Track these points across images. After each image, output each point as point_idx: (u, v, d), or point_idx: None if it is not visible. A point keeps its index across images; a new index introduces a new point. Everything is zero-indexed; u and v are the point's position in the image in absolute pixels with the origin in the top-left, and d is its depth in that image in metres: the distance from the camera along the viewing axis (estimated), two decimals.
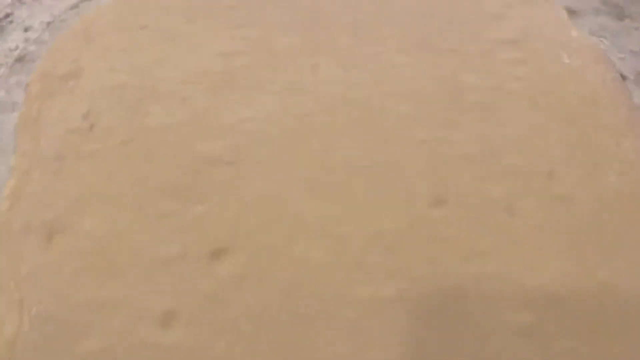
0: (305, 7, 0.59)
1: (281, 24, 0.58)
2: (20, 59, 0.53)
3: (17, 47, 0.54)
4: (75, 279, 0.41)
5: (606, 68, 0.57)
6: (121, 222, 0.43)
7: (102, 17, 0.56)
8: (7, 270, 0.41)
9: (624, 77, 0.58)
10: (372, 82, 0.54)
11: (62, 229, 0.43)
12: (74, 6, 0.58)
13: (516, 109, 0.53)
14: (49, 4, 0.57)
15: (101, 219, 0.43)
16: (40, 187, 0.45)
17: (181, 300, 0.41)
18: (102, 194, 0.44)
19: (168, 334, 0.39)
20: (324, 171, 0.47)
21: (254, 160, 0.48)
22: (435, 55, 0.57)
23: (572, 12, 0.63)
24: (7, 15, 0.56)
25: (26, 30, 0.55)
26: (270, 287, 0.42)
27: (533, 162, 0.49)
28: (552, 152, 0.50)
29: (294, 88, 0.53)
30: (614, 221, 0.45)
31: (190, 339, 0.39)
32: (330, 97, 0.52)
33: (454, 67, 0.56)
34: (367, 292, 0.41)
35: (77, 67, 0.52)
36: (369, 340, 0.39)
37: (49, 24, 0.56)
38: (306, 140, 0.49)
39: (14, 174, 0.45)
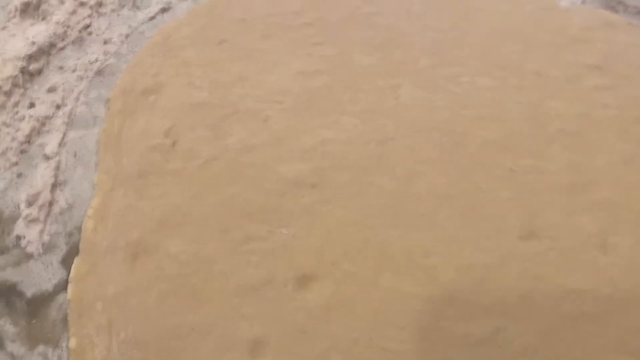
0: (383, 25, 0.58)
1: (360, 42, 0.57)
2: (100, 72, 0.53)
3: (96, 60, 0.53)
4: (161, 303, 0.40)
5: None
6: (206, 246, 0.42)
7: (179, 30, 0.56)
8: (94, 291, 0.41)
9: None
10: (455, 105, 0.52)
11: (147, 250, 0.42)
12: (152, 17, 0.57)
13: (605, 139, 0.51)
14: (127, 15, 0.57)
15: (186, 242, 0.43)
16: (124, 206, 0.44)
17: (269, 329, 0.40)
18: (186, 215, 0.44)
19: None
20: (409, 199, 0.46)
21: (337, 184, 0.46)
22: (519, 78, 0.55)
23: None
24: (86, 27, 0.56)
25: (105, 42, 0.55)
26: (358, 319, 0.40)
27: (626, 196, 0.47)
28: None
29: (375, 110, 0.52)
30: None
31: None
32: (412, 120, 0.51)
33: (539, 92, 0.54)
34: (461, 329, 0.40)
35: (157, 82, 0.51)
36: None
37: (127, 36, 0.55)
38: (389, 166, 0.48)
39: (97, 192, 0.45)
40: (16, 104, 0.49)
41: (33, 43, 0.52)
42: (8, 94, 0.49)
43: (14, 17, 0.55)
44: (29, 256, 0.43)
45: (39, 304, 0.41)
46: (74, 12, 0.55)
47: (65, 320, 0.40)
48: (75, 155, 0.47)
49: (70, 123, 0.49)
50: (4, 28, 0.54)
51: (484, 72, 0.55)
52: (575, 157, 0.50)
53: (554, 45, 0.58)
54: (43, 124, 0.49)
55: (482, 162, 0.49)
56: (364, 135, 0.50)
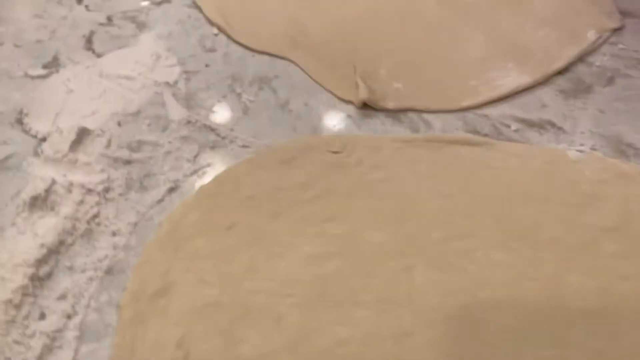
0: (391, 195, 0.57)
1: (369, 215, 0.56)
2: (109, 271, 0.52)
3: (105, 257, 0.53)
4: None
5: None
6: None
7: (187, 216, 0.55)
8: None
9: None
10: (471, 286, 0.51)
11: None
12: (159, 200, 0.57)
13: (628, 318, 0.50)
14: (134, 199, 0.57)
15: None
16: None
17: None
18: None
19: None
20: None
21: None
22: (534, 249, 0.54)
23: None
24: (94, 217, 0.55)
25: (114, 234, 0.54)
26: None
27: None
28: None
29: (389, 299, 0.51)
30: None
31: None
32: (427, 310, 0.50)
33: (555, 265, 0.53)
34: None
35: (167, 282, 0.51)
36: None
37: (135, 225, 0.55)
38: None
39: None
40: (26, 317, 0.49)
41: (42, 245, 0.52)
42: (18, 306, 0.49)
43: (23, 211, 0.55)
44: None
45: None
46: (81, 202, 0.55)
47: None
48: None
49: (81, 336, 0.48)
50: (13, 224, 0.54)
51: (498, 244, 0.54)
52: (598, 342, 0.48)
53: (567, 206, 0.57)
54: (54, 339, 0.48)
55: (504, 355, 0.47)
56: (379, 332, 0.49)
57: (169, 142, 0.61)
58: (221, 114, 0.65)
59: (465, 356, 0.47)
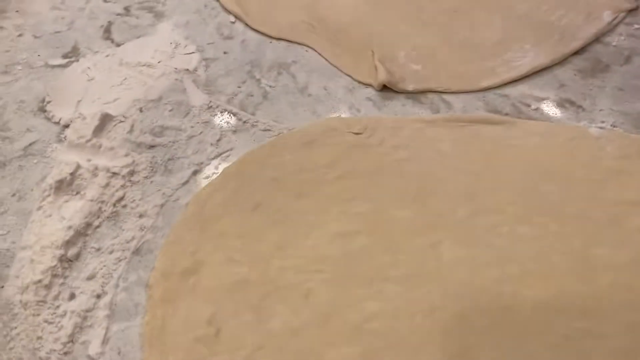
0: (415, 173, 0.57)
1: (393, 193, 0.56)
2: (137, 251, 0.52)
3: (133, 238, 0.53)
4: None
5: None
6: None
7: (213, 196, 0.56)
8: None
9: None
10: (499, 261, 0.51)
11: None
12: (185, 182, 0.57)
13: None
14: (159, 182, 0.57)
15: None
16: None
17: None
18: None
19: None
20: None
21: None
22: (560, 224, 0.54)
23: None
24: (120, 199, 0.56)
25: (140, 216, 0.54)
26: None
27: None
28: None
29: (418, 274, 0.51)
30: None
31: None
32: (457, 285, 0.50)
33: (582, 239, 0.53)
34: None
35: (196, 261, 0.51)
36: None
37: (162, 206, 0.55)
38: (439, 342, 0.46)
39: None
40: (56, 297, 0.49)
41: (70, 227, 0.52)
42: (48, 286, 0.49)
43: (49, 195, 0.55)
44: None
45: None
46: (107, 185, 0.56)
47: None
48: (119, 353, 0.46)
49: (112, 315, 0.48)
50: (39, 208, 0.54)
51: (524, 220, 0.54)
52: (630, 314, 0.48)
53: (591, 181, 0.57)
54: (85, 319, 0.48)
55: (536, 329, 0.47)
56: (409, 306, 0.49)
57: (191, 127, 0.62)
58: (241, 99, 0.65)
59: (495, 329, 0.47)
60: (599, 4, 0.75)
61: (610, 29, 0.74)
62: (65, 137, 0.60)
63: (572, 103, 0.65)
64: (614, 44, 0.72)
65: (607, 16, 0.74)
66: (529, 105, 0.65)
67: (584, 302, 0.49)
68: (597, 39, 0.73)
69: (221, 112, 0.63)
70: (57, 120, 0.62)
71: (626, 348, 0.46)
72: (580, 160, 0.59)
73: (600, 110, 0.64)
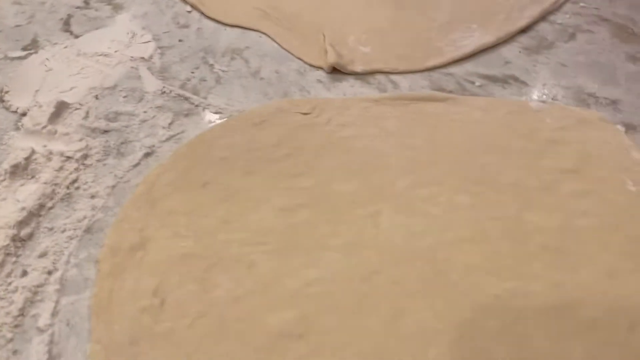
0: (360, 148, 0.59)
1: (338, 169, 0.58)
2: (88, 230, 0.54)
3: (84, 217, 0.55)
4: None
5: None
6: None
7: (163, 176, 0.58)
8: None
9: None
10: (435, 229, 0.53)
11: None
12: (136, 164, 0.59)
13: (587, 251, 0.52)
14: (112, 164, 0.59)
15: None
16: None
17: None
18: None
19: None
20: (396, 340, 0.47)
21: (323, 331, 0.47)
22: (496, 192, 0.56)
23: (631, 128, 0.61)
24: (73, 182, 0.58)
25: (92, 197, 0.56)
26: None
27: (612, 314, 0.48)
28: (631, 300, 0.48)
29: (357, 242, 0.53)
30: None
31: None
32: (393, 250, 0.52)
33: (516, 206, 0.55)
34: None
35: (143, 237, 0.53)
36: None
37: (113, 187, 0.57)
38: (374, 304, 0.49)
39: None
40: (9, 274, 0.51)
41: (23, 208, 0.54)
42: (1, 265, 0.51)
43: (4, 179, 0.57)
44: None
45: None
46: (61, 168, 0.58)
47: None
48: (68, 324, 0.48)
49: (62, 289, 0.50)
50: None
51: (461, 189, 0.56)
52: (558, 275, 0.50)
53: (528, 151, 0.59)
54: (35, 293, 0.50)
55: (467, 291, 0.49)
56: (347, 271, 0.51)
57: (144, 112, 0.64)
58: (195, 84, 0.67)
59: (428, 291, 0.49)
60: None
61: (556, 7, 0.76)
62: (22, 125, 0.62)
63: (515, 79, 0.67)
64: (559, 21, 0.74)
65: None
66: (473, 83, 0.67)
67: (515, 264, 0.51)
68: (544, 17, 0.75)
69: (174, 97, 0.65)
70: (14, 109, 0.64)
71: (553, 304, 0.48)
72: (519, 132, 0.61)
73: (543, 85, 0.67)
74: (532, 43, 0.71)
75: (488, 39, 0.71)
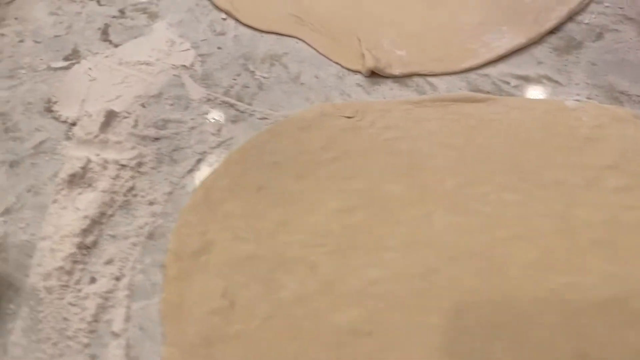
0: (405, 150, 0.61)
1: (386, 171, 0.60)
2: (150, 236, 0.56)
3: (145, 224, 0.57)
4: None
5: None
6: None
7: (218, 182, 0.59)
8: None
9: None
10: (488, 226, 0.55)
11: None
12: (190, 170, 0.61)
13: (636, 244, 0.54)
14: (166, 171, 0.60)
15: None
16: None
17: None
18: None
19: None
20: (460, 334, 0.49)
21: (390, 327, 0.49)
22: (542, 189, 0.58)
23: None
24: (131, 189, 0.59)
25: (151, 204, 0.58)
26: None
27: None
28: None
29: (413, 241, 0.54)
30: None
31: None
32: (450, 248, 0.54)
33: (563, 202, 0.57)
34: None
35: (205, 241, 0.54)
36: None
37: (170, 193, 0.59)
38: (436, 301, 0.50)
39: None
40: (78, 281, 0.52)
41: (86, 217, 0.55)
42: (70, 272, 0.53)
43: (62, 189, 0.58)
44: None
45: None
46: (117, 177, 0.59)
47: None
48: (141, 329, 0.50)
49: (131, 295, 0.52)
50: (54, 201, 0.58)
51: (508, 187, 0.58)
52: (610, 267, 0.52)
53: (568, 148, 0.61)
54: (106, 299, 0.51)
55: (525, 286, 0.51)
56: (407, 270, 0.53)
57: (192, 119, 0.65)
58: (238, 91, 0.68)
59: (486, 287, 0.51)
60: None
61: (582, 8, 0.78)
62: (73, 135, 0.63)
63: (549, 79, 0.69)
64: (585, 21, 0.76)
65: None
66: (508, 83, 0.69)
67: (569, 258, 0.53)
68: (570, 18, 0.77)
69: (219, 104, 0.67)
70: (64, 119, 0.65)
71: (606, 297, 0.50)
72: (557, 130, 0.64)
73: (576, 84, 0.69)
74: (561, 43, 0.73)
75: (520, 40, 0.73)
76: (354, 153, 0.61)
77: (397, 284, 0.51)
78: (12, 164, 0.62)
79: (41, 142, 0.63)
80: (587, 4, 0.79)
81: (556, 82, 0.69)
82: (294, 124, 0.64)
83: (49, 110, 0.66)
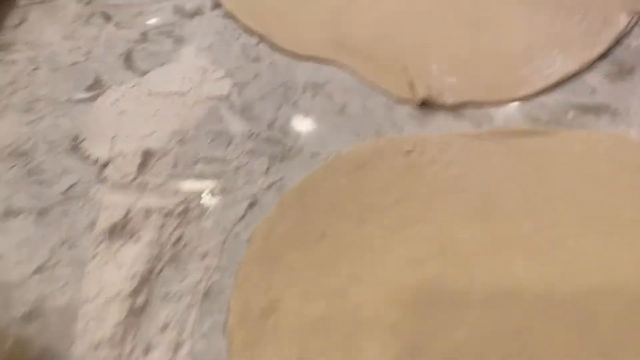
0: (472, 190, 0.57)
1: (454, 213, 0.56)
2: (207, 294, 0.50)
3: (200, 280, 0.51)
4: None
5: None
6: None
7: (275, 228, 0.54)
8: None
9: None
10: (572, 276, 0.52)
11: None
12: (242, 217, 0.55)
13: None
14: (216, 217, 0.55)
15: None
16: None
17: None
18: None
19: None
20: None
21: None
22: (620, 230, 0.55)
23: None
24: (179, 239, 0.53)
25: (203, 257, 0.52)
26: None
27: None
28: None
29: (496, 295, 0.50)
30: None
31: None
32: (536, 301, 0.50)
33: None
34: None
35: (271, 299, 0.50)
36: None
37: (223, 243, 0.53)
38: None
39: None
40: (132, 351, 0.47)
41: (134, 275, 0.50)
42: (121, 341, 0.47)
43: (102, 241, 0.52)
44: None
45: None
46: (162, 226, 0.53)
47: None
48: None
49: None
50: (94, 256, 0.52)
51: (585, 231, 0.55)
52: None
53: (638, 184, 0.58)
54: None
55: (620, 345, 0.48)
56: (496, 329, 0.49)
57: (237, 158, 0.60)
58: (281, 124, 0.63)
59: (582, 344, 0.48)
60: (612, 8, 0.76)
61: (627, 31, 0.75)
62: (106, 178, 0.57)
63: (606, 107, 0.66)
64: (633, 45, 0.74)
65: (623, 18, 0.75)
66: (566, 112, 0.66)
67: None
68: (618, 41, 0.74)
69: (264, 140, 0.61)
70: (94, 159, 0.59)
71: None
72: (625, 166, 0.60)
73: (635, 113, 0.66)
74: (613, 69, 0.71)
75: (572, 66, 0.70)
76: (417, 194, 0.57)
77: (487, 345, 0.47)
78: (41, 212, 0.55)
79: (71, 187, 0.57)
80: (632, 27, 0.76)
81: (614, 110, 0.66)
82: (349, 162, 0.60)
83: (76, 148, 0.60)
